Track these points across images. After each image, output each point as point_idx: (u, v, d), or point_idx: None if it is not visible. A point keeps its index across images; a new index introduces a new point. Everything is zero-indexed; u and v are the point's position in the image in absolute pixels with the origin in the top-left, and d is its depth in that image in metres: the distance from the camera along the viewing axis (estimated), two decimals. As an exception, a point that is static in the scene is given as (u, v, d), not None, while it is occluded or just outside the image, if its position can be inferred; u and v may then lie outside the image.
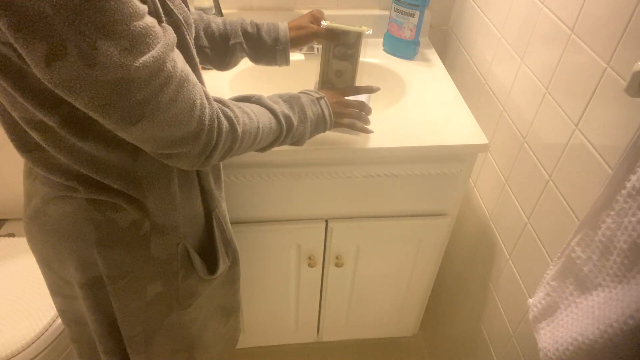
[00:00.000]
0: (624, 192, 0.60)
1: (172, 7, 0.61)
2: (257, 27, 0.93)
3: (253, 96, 0.77)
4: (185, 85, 0.58)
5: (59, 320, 1.16)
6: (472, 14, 1.23)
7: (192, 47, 0.66)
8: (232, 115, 0.67)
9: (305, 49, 1.23)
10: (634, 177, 0.59)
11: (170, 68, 0.55)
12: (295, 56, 1.23)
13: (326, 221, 1.13)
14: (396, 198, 1.10)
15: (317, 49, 1.22)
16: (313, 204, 1.09)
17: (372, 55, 1.26)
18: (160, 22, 0.57)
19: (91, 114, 0.54)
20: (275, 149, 0.81)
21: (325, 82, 0.94)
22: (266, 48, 0.93)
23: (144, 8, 0.52)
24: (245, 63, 1.19)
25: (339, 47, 0.91)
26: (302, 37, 0.93)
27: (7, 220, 1.48)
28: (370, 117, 0.96)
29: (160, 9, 0.58)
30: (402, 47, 1.26)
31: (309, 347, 1.60)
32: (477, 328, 1.24)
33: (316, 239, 1.16)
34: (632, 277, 0.58)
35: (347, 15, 1.30)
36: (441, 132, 1.02)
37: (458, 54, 1.33)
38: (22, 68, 0.53)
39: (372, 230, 1.16)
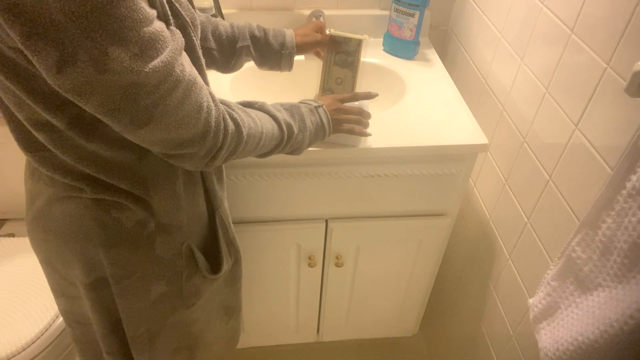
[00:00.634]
0: (624, 192, 0.60)
1: (180, 9, 0.62)
2: (265, 31, 0.96)
3: (256, 102, 0.78)
4: (193, 88, 0.59)
5: (59, 320, 1.16)
6: (472, 14, 1.23)
7: (198, 48, 0.67)
8: (237, 117, 0.68)
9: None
10: (634, 177, 0.59)
11: (179, 72, 0.56)
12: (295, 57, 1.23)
13: (326, 221, 1.13)
14: (396, 198, 1.10)
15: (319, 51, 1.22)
16: (313, 204, 1.09)
17: (372, 55, 1.26)
18: (168, 25, 0.58)
19: (100, 117, 0.55)
20: (275, 149, 0.82)
21: (325, 90, 0.97)
22: (272, 52, 0.96)
23: (153, 13, 0.53)
24: (245, 64, 1.19)
25: (340, 54, 0.94)
26: (307, 43, 0.97)
27: (7, 220, 1.48)
28: (370, 117, 0.96)
29: (169, 12, 0.59)
30: (402, 47, 1.26)
31: (309, 347, 1.60)
32: (477, 328, 1.24)
33: (316, 239, 1.16)
34: (633, 277, 0.58)
35: (347, 15, 1.30)
36: (441, 132, 1.02)
37: (458, 54, 1.33)
38: (31, 71, 0.54)
39: (372, 230, 1.16)
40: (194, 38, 0.65)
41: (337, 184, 1.05)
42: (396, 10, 1.22)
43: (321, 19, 1.24)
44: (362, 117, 0.92)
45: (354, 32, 0.98)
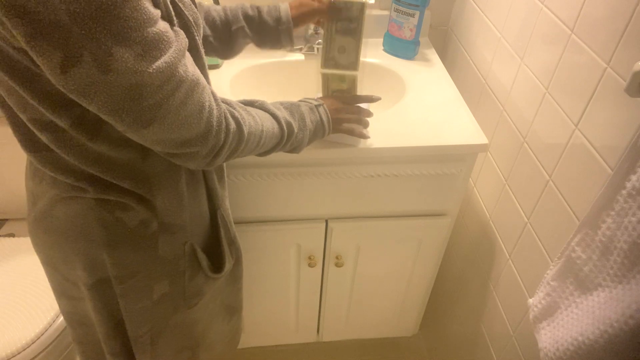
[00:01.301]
0: (624, 192, 0.60)
1: (183, 9, 0.62)
2: (258, 9, 0.93)
3: (257, 101, 0.78)
4: (195, 88, 0.59)
5: (59, 320, 1.16)
6: (472, 14, 1.23)
7: (201, 48, 0.67)
8: (238, 116, 0.68)
9: (305, 48, 1.23)
10: (634, 177, 0.59)
11: (182, 72, 0.56)
12: (295, 56, 1.23)
13: (326, 221, 1.13)
14: (396, 198, 1.10)
15: (318, 49, 1.22)
16: (313, 204, 1.09)
17: (372, 55, 1.26)
18: (172, 25, 0.58)
19: (104, 117, 0.55)
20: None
21: (328, 60, 0.92)
22: (269, 30, 0.93)
23: (157, 13, 0.53)
24: (245, 63, 1.19)
25: (342, 21, 0.89)
26: (304, 14, 0.92)
27: (7, 220, 1.48)
28: (370, 117, 0.95)
29: (172, 12, 0.59)
30: (402, 47, 1.26)
31: (309, 347, 1.60)
32: (477, 328, 1.24)
33: (316, 239, 1.16)
34: (633, 277, 0.58)
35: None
36: (441, 132, 1.02)
37: (458, 54, 1.33)
38: (35, 71, 0.54)
39: (372, 230, 1.16)
40: (196, 38, 0.65)
41: (337, 184, 1.05)
42: (396, 10, 1.22)
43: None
44: (362, 117, 0.92)
45: None
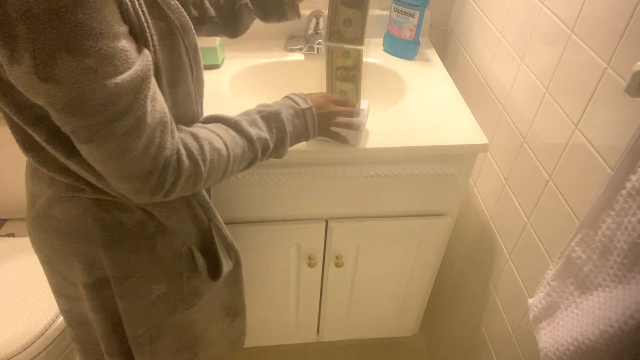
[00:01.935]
0: (624, 192, 0.60)
1: (168, 12, 0.60)
2: None
3: (230, 119, 0.73)
4: (149, 120, 0.54)
5: (59, 320, 1.16)
6: (472, 14, 1.23)
7: (184, 54, 0.65)
8: (197, 153, 0.63)
9: (305, 48, 1.23)
10: (634, 177, 0.59)
11: (133, 99, 0.52)
12: (295, 56, 1.23)
13: (326, 221, 1.13)
14: (396, 198, 1.10)
15: (318, 49, 1.22)
16: (313, 204, 1.09)
17: (372, 55, 1.25)
18: (144, 41, 0.55)
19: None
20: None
21: (333, 33, 0.89)
22: (273, 2, 0.91)
23: (123, 29, 0.50)
24: (245, 63, 1.19)
25: None
26: None
27: (7, 220, 1.48)
28: (370, 117, 0.95)
29: (148, 23, 0.56)
30: (402, 47, 1.26)
31: (309, 347, 1.60)
32: (477, 328, 1.24)
33: (316, 239, 1.16)
34: (633, 277, 0.58)
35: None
36: (441, 132, 1.02)
37: (458, 54, 1.33)
38: (9, 82, 0.52)
39: (372, 230, 1.16)
40: (181, 42, 0.63)
41: (337, 184, 1.05)
42: (396, 10, 1.22)
43: (321, 19, 1.24)
44: (353, 121, 0.89)
45: None
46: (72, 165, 0.62)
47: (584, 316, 0.66)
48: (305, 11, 1.27)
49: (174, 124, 0.61)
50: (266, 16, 0.93)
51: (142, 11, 0.55)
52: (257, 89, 1.20)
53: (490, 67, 1.14)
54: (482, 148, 1.02)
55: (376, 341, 1.64)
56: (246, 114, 0.77)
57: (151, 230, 0.73)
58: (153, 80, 0.56)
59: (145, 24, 0.55)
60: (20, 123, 0.57)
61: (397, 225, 1.15)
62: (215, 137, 0.68)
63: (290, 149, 0.85)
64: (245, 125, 0.73)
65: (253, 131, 0.74)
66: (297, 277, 1.25)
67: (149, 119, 0.55)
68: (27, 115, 0.56)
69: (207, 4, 0.89)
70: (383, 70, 1.23)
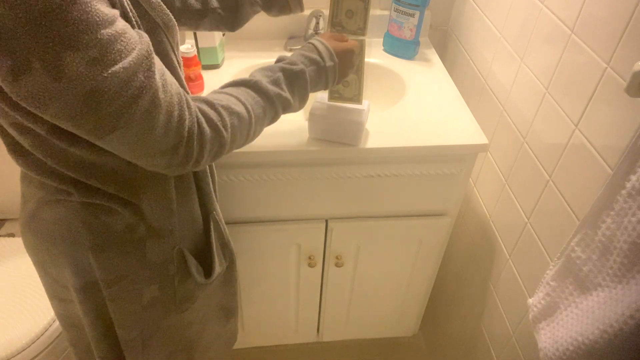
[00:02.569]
0: (624, 192, 0.60)
1: (149, 10, 0.60)
2: None
3: (250, 80, 0.73)
4: (162, 96, 0.55)
5: (59, 321, 1.16)
6: (472, 14, 1.23)
7: (171, 51, 0.65)
8: (217, 120, 0.64)
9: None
10: (634, 177, 0.59)
11: (143, 78, 0.53)
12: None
13: (326, 221, 1.13)
14: (396, 198, 1.10)
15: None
16: (313, 204, 1.09)
17: (372, 55, 1.26)
18: (133, 27, 0.55)
19: (62, 125, 0.52)
20: (275, 149, 0.80)
21: (335, 25, 0.88)
22: None
23: (114, 13, 0.50)
24: (245, 63, 1.19)
25: None
26: None
27: (7, 220, 1.49)
28: (370, 117, 0.95)
29: (130, 14, 0.56)
30: (402, 47, 1.26)
31: (309, 347, 1.60)
32: (477, 328, 1.24)
33: (316, 239, 1.16)
34: (632, 277, 0.58)
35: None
36: (441, 132, 1.02)
37: (458, 54, 1.33)
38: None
39: (372, 230, 1.16)
40: (166, 40, 0.63)
41: (337, 184, 1.05)
42: (396, 10, 1.22)
43: (321, 20, 1.24)
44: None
45: None
46: (73, 154, 0.62)
47: (583, 316, 0.66)
48: (305, 11, 1.27)
49: (187, 96, 0.62)
50: (269, 7, 0.91)
51: (123, 4, 0.55)
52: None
53: (490, 67, 1.14)
54: (482, 148, 1.02)
55: (376, 341, 1.64)
56: (270, 69, 0.75)
57: (140, 234, 0.72)
58: (157, 58, 0.57)
59: (130, 13, 0.56)
60: (19, 117, 0.56)
61: (397, 225, 1.15)
62: (234, 101, 0.68)
63: (291, 149, 0.85)
64: (265, 84, 0.73)
65: (274, 90, 0.73)
66: (297, 277, 1.25)
67: (162, 95, 0.56)
68: (26, 110, 0.55)
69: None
70: (383, 70, 1.23)
